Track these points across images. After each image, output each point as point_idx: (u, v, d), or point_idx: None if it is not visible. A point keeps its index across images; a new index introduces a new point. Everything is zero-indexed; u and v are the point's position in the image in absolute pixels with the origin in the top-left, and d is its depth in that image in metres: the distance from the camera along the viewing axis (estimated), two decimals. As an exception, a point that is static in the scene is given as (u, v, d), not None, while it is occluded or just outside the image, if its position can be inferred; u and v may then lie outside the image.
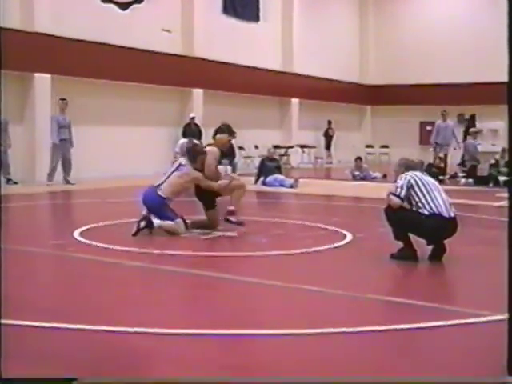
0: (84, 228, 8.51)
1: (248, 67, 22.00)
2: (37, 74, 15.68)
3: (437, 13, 27.71)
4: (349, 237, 8.17)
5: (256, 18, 22.97)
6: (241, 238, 8.17)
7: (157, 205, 8.22)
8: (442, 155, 18.60)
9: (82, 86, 16.84)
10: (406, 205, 6.70)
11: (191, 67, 19.73)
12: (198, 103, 20.00)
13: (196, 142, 9.37)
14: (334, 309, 5.14)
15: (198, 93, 20.21)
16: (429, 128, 28.11)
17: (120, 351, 3.98)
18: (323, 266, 6.77)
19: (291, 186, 15.31)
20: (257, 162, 17.61)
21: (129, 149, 17.81)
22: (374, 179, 17.80)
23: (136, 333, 4.25)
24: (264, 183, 15.80)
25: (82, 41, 16.50)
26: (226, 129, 8.99)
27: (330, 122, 25.74)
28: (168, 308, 5.08)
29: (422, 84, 26.96)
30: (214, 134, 8.82)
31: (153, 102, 18.89)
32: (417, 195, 6.65)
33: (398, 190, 6.68)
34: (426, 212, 6.59)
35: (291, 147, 23.81)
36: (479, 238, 8.65)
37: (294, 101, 24.82)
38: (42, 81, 15.83)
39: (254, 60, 22.16)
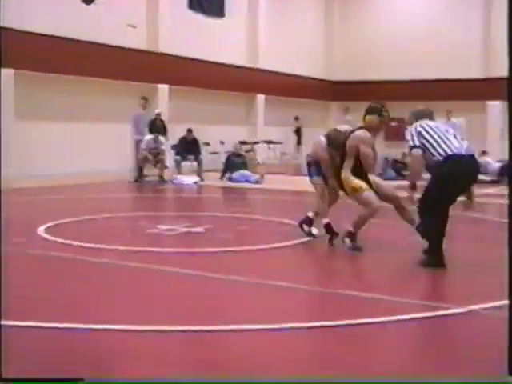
0: (48, 225, 8.42)
1: (214, 63, 21.94)
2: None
3: (400, 11, 27.95)
4: (314, 232, 8.20)
5: (221, 14, 22.92)
6: (207, 234, 8.17)
7: None
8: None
9: (46, 81, 16.63)
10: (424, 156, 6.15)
11: (156, 63, 19.61)
12: (164, 99, 19.90)
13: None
14: (300, 304, 5.17)
15: (163, 88, 20.10)
16: (394, 124, 28.43)
17: (87, 349, 3.96)
18: (290, 262, 6.81)
19: (257, 182, 15.35)
20: (223, 157, 17.59)
21: (93, 145, 17.64)
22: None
23: (101, 330, 4.23)
24: (230, 179, 15.81)
25: (45, 35, 16.27)
26: (375, 108, 7.47)
27: (297, 118, 25.79)
28: (132, 305, 5.06)
29: (386, 80, 27.18)
30: (365, 115, 7.45)
31: (117, 98, 18.73)
32: (428, 142, 6.19)
33: (410, 141, 6.26)
34: (441, 158, 6.13)
35: (257, 143, 23.82)
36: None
37: (260, 97, 24.84)
38: (6, 76, 15.59)
39: (219, 56, 22.11)
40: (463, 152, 6.16)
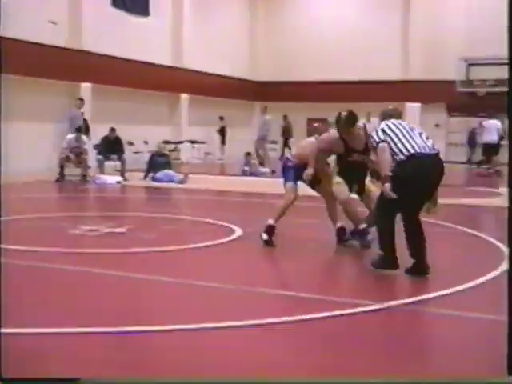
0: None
1: (137, 62, 21.76)
2: None
3: (325, 13, 28.40)
4: (238, 232, 8.28)
5: (146, 13, 22.77)
6: (130, 235, 8.12)
7: None
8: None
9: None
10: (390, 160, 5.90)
11: (79, 61, 19.30)
12: (86, 98, 19.60)
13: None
14: (224, 303, 5.21)
15: (86, 87, 19.81)
16: (316, 125, 28.82)
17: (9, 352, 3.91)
18: (213, 261, 6.85)
19: (181, 182, 15.31)
20: (146, 157, 17.47)
21: (14, 144, 17.21)
22: (262, 175, 18.08)
23: (20, 334, 4.17)
24: (154, 179, 15.72)
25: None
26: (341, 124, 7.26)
27: (222, 118, 25.83)
28: (52, 307, 5.00)
29: (310, 81, 27.57)
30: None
31: (40, 97, 18.35)
32: (391, 140, 5.98)
33: (375, 137, 6.06)
34: (403, 157, 5.90)
35: (181, 142, 23.76)
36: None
37: (184, 96, 24.79)
38: None
39: (143, 55, 21.95)
40: (428, 151, 5.92)
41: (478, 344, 4.42)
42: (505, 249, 7.05)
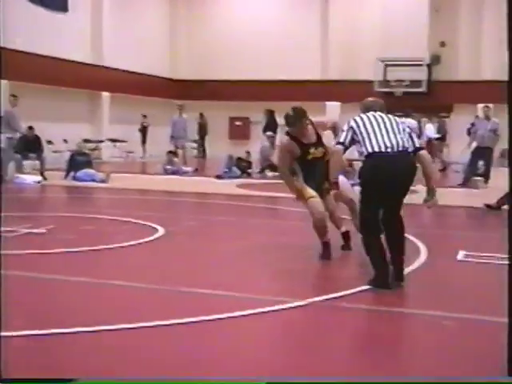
0: None
1: (56, 59, 21.33)
2: None
3: (245, 13, 28.52)
4: (161, 231, 8.26)
5: (64, 8, 22.33)
6: (49, 235, 7.98)
7: None
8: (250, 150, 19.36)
9: None
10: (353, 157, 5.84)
11: (-6, 57, 18.78)
12: (2, 96, 19.06)
13: None
14: (146, 303, 5.21)
15: (2, 85, 19.26)
16: (238, 124, 28.98)
17: None
18: (135, 261, 6.81)
19: (102, 181, 15.13)
20: (66, 156, 17.16)
21: None
22: (185, 173, 18.06)
23: None
24: (74, 178, 15.47)
25: None
26: (290, 121, 6.92)
27: (144, 116, 25.61)
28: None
29: (231, 80, 27.65)
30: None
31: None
32: (358, 137, 5.57)
33: (340, 136, 5.70)
34: (364, 157, 5.55)
35: (102, 141, 23.45)
36: (281, 228, 9.07)
37: (105, 94, 24.47)
38: None
39: (61, 51, 21.52)
40: (392, 150, 5.46)
41: (398, 338, 4.58)
42: (420, 244, 7.30)
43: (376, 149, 5.44)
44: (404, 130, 5.64)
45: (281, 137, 7.27)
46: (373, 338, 4.51)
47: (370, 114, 5.71)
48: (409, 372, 3.85)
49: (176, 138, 20.02)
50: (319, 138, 6.91)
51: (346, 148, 5.66)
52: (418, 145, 5.72)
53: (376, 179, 5.46)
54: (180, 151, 20.00)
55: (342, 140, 5.62)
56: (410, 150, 5.57)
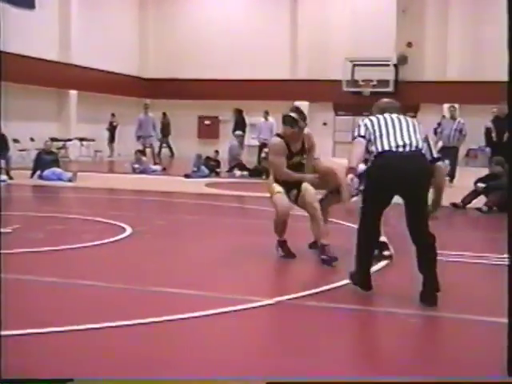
0: None
1: (23, 56, 21.09)
2: None
3: (215, 12, 28.45)
4: (128, 230, 8.23)
5: (32, 5, 22.06)
6: (15, 235, 7.90)
7: None
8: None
9: None
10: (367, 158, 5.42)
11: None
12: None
13: None
14: (114, 303, 5.19)
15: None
16: (207, 123, 28.95)
17: None
18: (102, 261, 6.78)
19: (70, 180, 15.02)
20: (33, 155, 17.00)
21: None
22: (153, 172, 18.01)
23: None
24: (41, 177, 15.33)
25: None
26: (288, 120, 6.86)
27: (113, 115, 25.43)
28: None
29: (200, 79, 27.61)
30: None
31: None
32: (372, 138, 5.30)
33: (354, 132, 5.46)
34: (373, 156, 5.29)
35: (69, 140, 23.26)
36: (250, 227, 9.08)
37: (73, 92, 24.26)
38: None
39: (29, 49, 21.29)
40: (405, 150, 5.19)
41: (378, 337, 4.63)
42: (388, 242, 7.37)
43: (386, 147, 5.19)
44: (420, 133, 5.36)
45: (273, 139, 7.12)
46: (347, 337, 4.54)
47: (387, 115, 5.46)
48: (396, 373, 3.90)
49: (144, 136, 20.01)
50: (304, 146, 6.90)
51: (364, 138, 5.33)
52: (435, 155, 5.49)
53: (383, 179, 5.19)
54: (148, 150, 20.01)
55: (362, 133, 5.35)
56: (428, 158, 5.32)
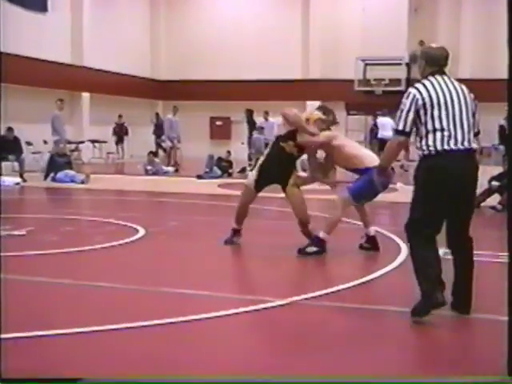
0: None
1: (36, 59, 21.17)
2: None
3: (226, 12, 28.47)
4: (142, 231, 8.24)
5: (44, 8, 22.16)
6: (30, 237, 7.94)
7: None
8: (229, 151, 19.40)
9: None
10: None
11: (-28, 58, 18.62)
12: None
13: None
14: (128, 304, 5.20)
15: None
16: (219, 123, 28.95)
17: None
18: (115, 262, 6.79)
19: (82, 182, 15.07)
20: (46, 157, 17.06)
21: None
22: (165, 173, 18.04)
23: None
24: (54, 179, 15.40)
25: None
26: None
27: (120, 116, 25.45)
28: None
29: (212, 80, 27.62)
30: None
31: None
32: (424, 121, 4.34)
33: (401, 122, 4.41)
34: (432, 150, 4.36)
35: (82, 142, 23.33)
36: (263, 227, 9.06)
37: (85, 95, 24.32)
38: None
39: (42, 52, 21.37)
40: (465, 144, 4.40)
41: (380, 337, 4.61)
42: (400, 241, 7.33)
43: (448, 145, 4.31)
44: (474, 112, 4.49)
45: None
46: (359, 337, 4.53)
47: (440, 79, 4.47)
48: (404, 372, 3.88)
49: (171, 138, 20.85)
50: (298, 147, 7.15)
51: (409, 135, 4.47)
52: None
53: (445, 186, 4.34)
54: (172, 150, 20.66)
55: (401, 127, 4.41)
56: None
